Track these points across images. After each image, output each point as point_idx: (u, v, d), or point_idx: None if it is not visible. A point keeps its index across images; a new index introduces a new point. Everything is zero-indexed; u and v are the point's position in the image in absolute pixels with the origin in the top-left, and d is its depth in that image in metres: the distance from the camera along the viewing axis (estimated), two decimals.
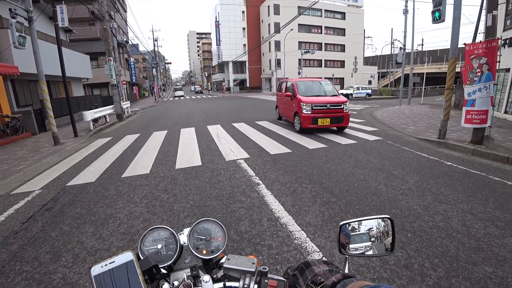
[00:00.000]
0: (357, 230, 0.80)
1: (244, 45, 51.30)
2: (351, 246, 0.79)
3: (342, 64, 50.14)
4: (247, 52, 47.58)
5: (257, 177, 4.73)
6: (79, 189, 4.65)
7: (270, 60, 46.72)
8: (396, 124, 9.76)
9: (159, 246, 0.76)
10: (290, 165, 5.35)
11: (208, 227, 0.82)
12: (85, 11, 22.08)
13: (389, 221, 0.80)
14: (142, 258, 0.73)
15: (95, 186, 4.76)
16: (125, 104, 16.31)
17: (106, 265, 0.55)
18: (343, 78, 49.42)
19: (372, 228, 0.81)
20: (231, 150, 6.66)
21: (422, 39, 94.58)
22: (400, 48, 19.83)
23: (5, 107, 10.51)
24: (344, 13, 49.08)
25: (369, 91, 27.02)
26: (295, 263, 2.50)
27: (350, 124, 9.54)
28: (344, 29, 49.32)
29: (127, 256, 0.56)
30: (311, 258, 2.50)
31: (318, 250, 2.63)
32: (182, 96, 43.05)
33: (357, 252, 0.79)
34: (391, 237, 0.80)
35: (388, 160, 5.47)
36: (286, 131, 8.73)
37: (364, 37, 53.74)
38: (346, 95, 24.25)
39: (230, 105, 21.32)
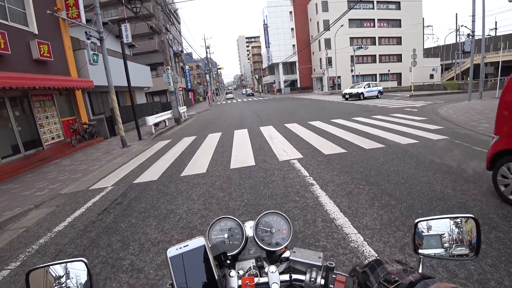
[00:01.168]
0: (435, 229, 0.71)
1: (293, 45, 50.83)
2: (427, 244, 0.71)
3: (398, 58, 45.74)
4: (296, 53, 47.04)
5: (311, 177, 4.58)
6: (144, 187, 5.04)
7: (320, 58, 45.29)
8: (465, 121, 8.50)
9: (226, 235, 0.79)
10: (346, 165, 5.08)
11: (273, 220, 0.82)
12: (145, 27, 24.34)
13: (473, 222, 0.69)
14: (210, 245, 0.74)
15: (157, 184, 5.12)
16: (182, 109, 17.37)
17: (180, 248, 0.57)
18: (400, 74, 45.19)
19: (453, 228, 0.71)
20: (284, 150, 6.59)
21: (496, 22, 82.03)
22: (468, 35, 17.19)
23: (84, 116, 12.00)
24: (399, 2, 44.74)
25: (380, 88, 23.14)
26: (351, 266, 2.35)
27: (409, 123, 8.72)
28: (400, 20, 44.94)
29: (200, 241, 0.58)
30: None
31: (376, 255, 2.44)
32: (232, 97, 50.97)
33: (435, 253, 0.70)
34: (475, 240, 0.68)
35: (456, 162, 4.78)
36: (340, 131, 8.34)
37: (423, 26, 48.25)
38: (357, 95, 21.56)
39: (281, 106, 21.28)
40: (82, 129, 11.15)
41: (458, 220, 0.70)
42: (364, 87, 22.08)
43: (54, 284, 0.64)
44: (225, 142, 8.28)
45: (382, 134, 7.38)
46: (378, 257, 0.63)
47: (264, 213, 0.83)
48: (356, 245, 2.61)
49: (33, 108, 9.39)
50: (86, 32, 8.67)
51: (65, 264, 0.65)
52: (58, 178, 6.27)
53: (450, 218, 0.71)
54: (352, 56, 36.45)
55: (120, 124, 9.50)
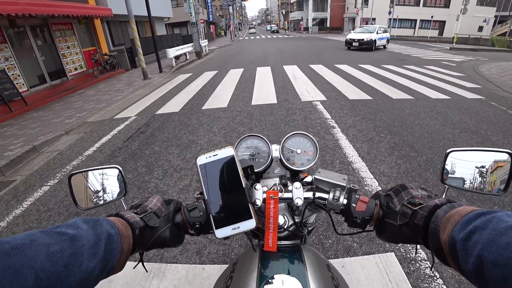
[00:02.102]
0: (466, 161, 0.67)
1: None
2: (455, 175, 0.67)
3: (446, 2, 38.61)
4: None
5: (332, 120, 4.46)
6: (166, 117, 5.10)
7: None
8: (508, 83, 7.40)
9: (252, 153, 0.80)
10: (369, 112, 4.85)
11: (300, 141, 0.81)
12: None
13: (508, 156, 0.62)
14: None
15: (179, 115, 5.16)
16: (203, 43, 16.67)
17: (210, 156, 0.58)
18: (444, 22, 38.57)
19: (484, 162, 0.65)
20: (307, 91, 6.33)
21: None
22: None
23: (104, 46, 11.80)
24: None
25: (389, 35, 17.91)
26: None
27: (444, 77, 7.84)
28: None
29: (229, 151, 0.58)
30: None
31: None
32: (254, 32, 53.28)
33: (461, 184, 0.66)
34: (507, 176, 0.62)
35: (486, 124, 4.35)
36: (368, 77, 7.75)
37: None
38: (368, 43, 15.45)
39: (308, 46, 19.93)
40: (103, 60, 11.07)
41: (492, 154, 0.65)
42: (377, 32, 16.16)
43: (92, 186, 0.70)
44: (247, 79, 8.03)
45: (412, 86, 6.80)
46: (403, 182, 0.62)
47: (291, 133, 0.81)
48: (370, 189, 2.61)
49: (54, 38, 9.27)
50: None
51: (102, 169, 0.70)
52: (84, 107, 6.45)
53: (484, 150, 0.66)
54: None
55: (141, 55, 9.30)
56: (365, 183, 2.72)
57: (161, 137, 4.18)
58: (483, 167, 0.66)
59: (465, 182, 0.66)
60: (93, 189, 0.69)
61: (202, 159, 0.58)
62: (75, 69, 10.23)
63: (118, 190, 0.70)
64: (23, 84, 7.85)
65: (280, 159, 0.78)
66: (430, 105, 5.36)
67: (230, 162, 0.58)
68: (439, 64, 10.75)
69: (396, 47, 19.35)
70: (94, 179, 0.70)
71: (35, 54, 8.48)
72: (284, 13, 70.09)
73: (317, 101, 5.56)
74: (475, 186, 0.66)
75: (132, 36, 9.74)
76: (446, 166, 0.68)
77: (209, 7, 36.26)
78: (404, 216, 0.52)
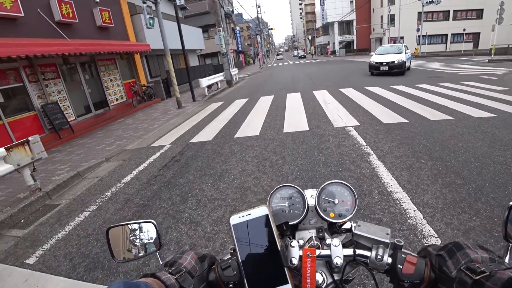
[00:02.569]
0: None
1: (351, 1, 45.89)
2: None
3: (479, 14, 37.34)
4: (354, 10, 42.52)
5: (368, 147, 4.27)
6: (199, 146, 5.23)
7: (381, 16, 40.23)
8: None
9: (287, 204, 0.77)
10: (406, 136, 4.59)
11: (337, 190, 0.77)
12: None
13: None
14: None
15: (212, 144, 5.27)
16: (234, 71, 17.35)
17: (243, 216, 0.57)
18: (478, 34, 37.01)
19: None
20: (339, 116, 6.22)
21: None
22: None
23: (142, 78, 12.68)
24: None
25: (410, 54, 15.06)
26: (408, 244, 2.17)
27: (485, 93, 7.34)
28: None
29: (263, 210, 0.58)
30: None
31: (436, 236, 2.21)
32: (282, 58, 57.36)
33: None
34: None
35: None
36: (401, 98, 7.50)
37: None
38: (398, 66, 12.67)
39: (336, 69, 19.99)
40: (142, 91, 11.86)
41: None
42: (405, 52, 13.51)
43: (130, 240, 0.73)
44: (278, 106, 8.11)
45: (450, 105, 6.41)
46: (457, 240, 0.54)
47: (327, 182, 0.77)
48: (415, 222, 2.40)
49: (100, 72, 10.16)
50: None
51: (138, 224, 0.73)
52: (123, 135, 6.84)
53: None
54: (419, 13, 31.20)
55: (175, 86, 9.85)
56: (408, 215, 2.52)
57: (195, 166, 4.27)
58: None
59: None
60: (129, 243, 0.73)
61: (235, 219, 0.57)
62: (116, 99, 11.01)
63: (153, 244, 0.72)
64: (71, 114, 8.57)
65: (317, 211, 0.75)
66: (473, 125, 4.97)
67: (264, 222, 0.57)
68: (478, 79, 10.08)
69: (428, 64, 18.69)
70: (131, 232, 0.73)
71: (83, 87, 9.29)
72: (310, 38, 71.67)
73: (350, 126, 5.42)
74: None
75: (168, 68, 10.41)
76: (509, 222, 0.58)
77: (238, 37, 38.09)
78: (462, 285, 0.45)
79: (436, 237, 2.21)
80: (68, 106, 8.49)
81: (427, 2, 29.40)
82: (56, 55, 7.08)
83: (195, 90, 12.13)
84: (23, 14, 6.87)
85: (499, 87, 8.32)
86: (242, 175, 3.72)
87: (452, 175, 3.20)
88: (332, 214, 0.74)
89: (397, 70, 12.69)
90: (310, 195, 0.79)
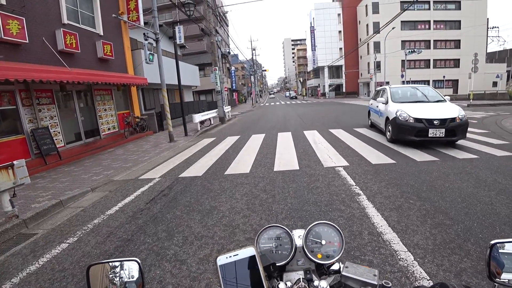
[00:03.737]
0: (503, 256, 0.63)
1: (340, 48, 49.42)
2: (505, 271, 0.62)
3: (456, 63, 41.72)
4: (343, 56, 45.65)
5: (357, 187, 4.34)
6: (189, 181, 5.20)
7: (368, 63, 43.41)
8: None
9: (274, 244, 0.78)
10: (395, 177, 4.71)
11: (324, 231, 0.79)
12: (196, 29, 25.45)
13: None
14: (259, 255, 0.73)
15: (202, 179, 5.24)
16: (227, 109, 17.79)
17: (230, 256, 0.58)
18: (457, 80, 40.99)
19: None
20: (329, 156, 6.36)
21: None
22: None
23: (137, 110, 12.85)
24: (459, 1, 40.54)
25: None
26: (400, 287, 2.15)
27: (468, 135, 7.80)
28: (459, 21, 40.75)
29: (250, 251, 0.59)
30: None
31: (428, 278, 2.20)
32: (273, 97, 61.25)
33: None
34: None
35: None
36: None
37: (488, 28, 42.98)
38: (461, 128, 6.60)
39: (326, 110, 20.76)
40: (135, 122, 11.94)
41: None
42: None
43: (110, 279, 0.69)
44: (269, 144, 8.25)
45: (435, 147, 6.73)
46: (443, 281, 0.57)
47: (314, 223, 0.79)
48: (406, 264, 2.39)
49: (95, 101, 10.28)
50: (144, 34, 9.34)
51: (120, 262, 0.70)
52: (111, 166, 6.75)
53: None
54: (403, 61, 34.00)
55: (169, 119, 9.98)
56: (399, 257, 2.50)
57: (183, 201, 4.20)
58: None
59: None
60: (109, 281, 0.68)
61: (222, 259, 0.58)
62: (108, 129, 11.01)
63: (134, 284, 0.68)
64: (61, 140, 8.49)
65: (304, 252, 0.76)
66: (458, 166, 5.16)
67: (251, 263, 0.58)
68: None
69: None
70: (112, 271, 0.70)
71: (76, 114, 9.33)
72: (301, 80, 75.07)
73: (339, 166, 5.51)
74: None
75: (162, 102, 10.63)
76: (492, 261, 0.63)
77: (233, 76, 39.66)
78: None
79: (428, 279, 2.20)
80: (59, 132, 8.44)
81: (409, 52, 32.24)
82: (54, 81, 7.21)
83: (188, 125, 12.30)
84: (27, 41, 7.10)
85: (480, 129, 8.86)
86: (231, 213, 3.67)
87: (440, 215, 3.26)
88: (319, 255, 0.75)
89: (459, 136, 6.62)
90: (298, 236, 0.80)
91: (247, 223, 3.36)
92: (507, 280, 0.61)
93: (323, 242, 0.77)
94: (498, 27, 45.18)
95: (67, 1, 8.84)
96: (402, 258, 2.48)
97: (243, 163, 6.19)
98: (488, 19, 42.04)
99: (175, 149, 8.40)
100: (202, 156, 7.29)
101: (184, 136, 10.88)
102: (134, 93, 12.84)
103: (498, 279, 0.62)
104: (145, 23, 12.01)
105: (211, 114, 14.44)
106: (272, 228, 0.80)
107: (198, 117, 12.28)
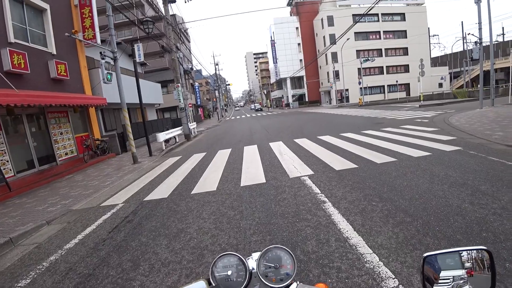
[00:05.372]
0: (446, 263, 0.68)
1: (301, 60, 51.61)
2: (438, 281, 0.68)
3: (406, 68, 46.51)
4: (304, 67, 47.71)
5: (322, 195, 4.48)
6: (154, 204, 5.04)
7: (328, 72, 45.88)
8: (478, 130, 8.33)
9: (229, 272, 0.79)
10: (357, 181, 4.96)
11: (277, 254, 0.82)
12: (157, 46, 25.15)
13: (486, 254, 0.67)
14: (213, 284, 0.76)
15: (167, 201, 5.11)
16: (192, 125, 17.58)
17: None
18: (408, 84, 45.66)
19: (465, 261, 0.67)
20: (294, 166, 6.52)
21: (503, 28, 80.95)
22: (476, 42, 17.32)
23: (96, 132, 12.26)
24: (403, 14, 45.88)
25: None
26: None
27: (421, 134, 8.54)
28: (405, 31, 45.90)
29: (200, 284, 0.60)
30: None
31: (393, 277, 2.33)
32: (239, 110, 61.70)
33: None
34: (490, 273, 0.66)
35: (472, 174, 4.66)
36: (350, 145, 8.23)
37: (429, 36, 48.77)
38: None
39: (290, 121, 21.29)
40: (95, 145, 11.37)
41: (470, 252, 0.68)
42: None
43: None
44: (235, 159, 8.28)
45: (393, 147, 7.23)
46: None
47: (267, 248, 0.82)
48: (372, 266, 2.50)
49: (49, 125, 9.66)
50: (100, 53, 9.04)
51: None
52: (70, 194, 6.34)
53: (461, 251, 0.68)
54: (359, 69, 36.96)
55: (131, 140, 9.65)
56: (365, 259, 2.60)
57: (148, 227, 4.06)
58: (464, 267, 0.67)
59: (450, 286, 0.65)
60: None
61: None
62: (66, 154, 10.38)
63: None
64: (10, 170, 7.83)
65: (259, 277, 0.77)
66: (414, 164, 5.57)
67: None
68: (413, 122, 11.64)
69: (372, 112, 21.16)
70: None
71: (27, 140, 8.69)
72: (265, 92, 76.61)
73: (305, 176, 5.65)
74: None
75: (124, 122, 10.27)
76: (425, 272, 0.68)
77: (197, 92, 39.46)
78: None
79: (393, 278, 2.31)
80: (7, 161, 7.78)
81: (364, 60, 34.97)
82: None
83: (153, 144, 11.98)
84: None
85: (431, 128, 9.71)
86: (198, 234, 3.62)
87: (401, 214, 3.47)
88: (274, 279, 0.77)
89: None
90: (255, 259, 0.82)
91: (216, 243, 3.33)
92: (449, 276, 0.67)
93: (277, 266, 0.79)
94: (438, 35, 51.84)
95: (14, 19, 8.34)
96: (368, 261, 2.58)
97: (209, 181, 6.14)
98: (429, 28, 47.85)
99: (139, 171, 8.11)
100: (168, 176, 7.12)
101: (149, 157, 10.55)
102: (93, 114, 12.27)
103: (436, 284, 0.67)
104: (103, 41, 11.63)
105: (176, 132, 14.20)
106: (226, 256, 0.82)
107: (162, 136, 12.01)
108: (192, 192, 5.47)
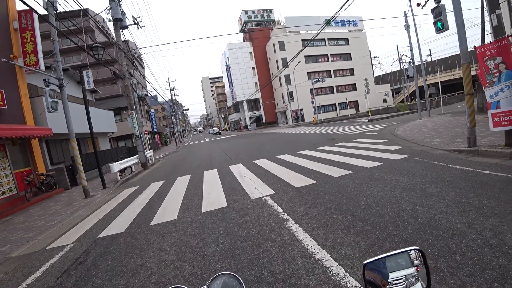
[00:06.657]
0: (385, 268, 0.73)
1: (256, 83, 53.44)
2: (393, 284, 0.72)
3: (353, 87, 51.20)
4: (259, 90, 49.49)
5: (285, 213, 4.56)
6: (110, 240, 4.69)
7: (282, 94, 48.12)
8: (420, 138, 9.41)
9: None
10: (317, 196, 5.14)
11: (225, 281, 0.80)
12: (108, 72, 24.30)
13: (419, 253, 0.73)
14: None
15: (124, 236, 4.79)
16: (149, 153, 16.91)
17: None
18: (357, 101, 50.22)
19: (400, 263, 0.73)
20: (255, 187, 6.57)
21: (430, 49, 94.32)
22: (409, 62, 20.11)
23: (41, 166, 11.20)
24: (347, 38, 51.19)
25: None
26: None
27: (372, 146, 9.27)
28: (350, 54, 51.02)
29: None
30: None
31: (360, 286, 2.44)
32: (197, 134, 59.21)
33: None
34: (425, 271, 0.71)
35: (418, 178, 5.18)
36: (308, 162, 8.57)
37: (371, 57, 55.02)
38: None
39: (249, 142, 21.50)
40: (39, 181, 10.35)
41: (404, 254, 0.73)
42: None
43: None
44: (195, 185, 8.10)
45: (348, 161, 7.71)
46: None
47: (213, 276, 0.81)
48: (339, 278, 2.57)
49: None
50: (44, 80, 8.47)
51: None
52: (8, 239, 5.64)
53: (396, 254, 0.73)
54: (311, 89, 39.98)
55: (82, 173, 8.98)
56: (331, 272, 2.66)
57: (103, 266, 3.75)
58: (401, 269, 0.72)
59: None
60: None
61: None
62: (3, 193, 9.30)
63: None
64: None
65: None
66: (368, 175, 5.98)
67: None
68: (364, 136, 12.62)
69: (326, 129, 22.47)
70: None
71: None
72: (223, 116, 77.09)
73: (266, 196, 5.71)
74: None
75: (73, 154, 9.57)
76: (371, 279, 0.72)
77: (153, 119, 38.40)
78: None
79: (360, 287, 2.38)
80: None
81: (315, 81, 37.74)
82: None
83: (106, 175, 11.27)
84: None
85: (380, 140, 10.61)
86: (160, 268, 3.43)
87: (360, 223, 3.65)
88: None
89: None
90: None
91: (179, 275, 3.19)
92: (401, 276, 0.70)
93: None
94: (378, 56, 60.59)
95: None
96: (335, 273, 2.65)
97: (169, 210, 5.91)
98: (370, 51, 53.91)
99: (92, 206, 7.52)
100: (124, 208, 6.70)
101: (102, 189, 9.85)
102: (36, 146, 11.25)
103: (390, 286, 0.70)
104: (48, 67, 10.95)
105: (131, 161, 13.54)
106: None
107: (116, 166, 11.33)
108: (151, 224, 5.20)
